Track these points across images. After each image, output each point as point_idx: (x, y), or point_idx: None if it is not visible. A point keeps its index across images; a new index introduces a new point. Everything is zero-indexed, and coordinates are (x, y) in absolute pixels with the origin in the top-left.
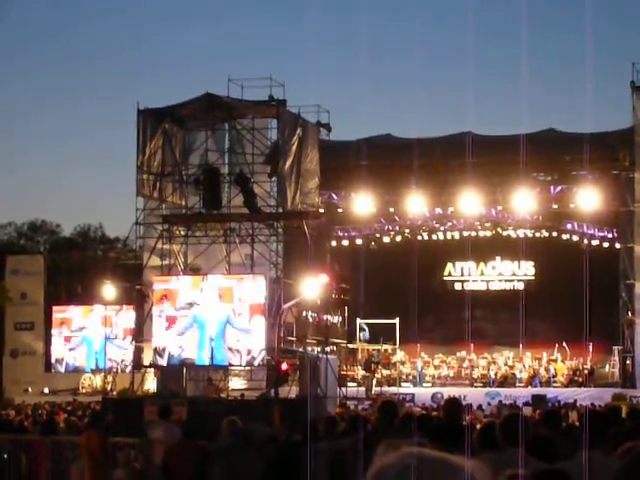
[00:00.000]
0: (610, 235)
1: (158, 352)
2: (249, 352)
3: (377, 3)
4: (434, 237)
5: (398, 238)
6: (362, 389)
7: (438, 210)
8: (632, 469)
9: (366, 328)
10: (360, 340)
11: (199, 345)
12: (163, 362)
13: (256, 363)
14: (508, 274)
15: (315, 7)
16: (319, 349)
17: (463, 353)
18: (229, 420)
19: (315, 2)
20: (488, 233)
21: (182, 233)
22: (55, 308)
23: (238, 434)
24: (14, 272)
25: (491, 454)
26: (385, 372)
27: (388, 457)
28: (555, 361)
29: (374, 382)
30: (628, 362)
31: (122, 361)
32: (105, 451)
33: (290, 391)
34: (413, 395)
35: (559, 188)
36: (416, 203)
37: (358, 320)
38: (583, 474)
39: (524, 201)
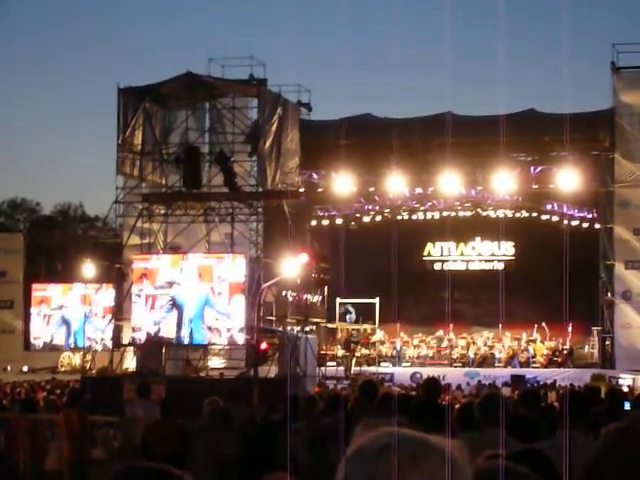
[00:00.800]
0: (590, 216)
1: (137, 331)
2: (228, 331)
3: None
4: (414, 217)
5: (378, 218)
6: (341, 368)
7: (418, 190)
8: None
9: (352, 310)
10: (346, 322)
11: (178, 324)
12: (142, 341)
13: (235, 342)
14: (488, 254)
15: None
16: (299, 328)
17: (442, 333)
18: (210, 400)
19: None
20: (468, 213)
21: (162, 212)
22: (35, 286)
23: (218, 414)
24: None
25: (470, 434)
26: (364, 351)
27: (366, 436)
28: (534, 341)
29: (353, 362)
30: (607, 343)
31: (102, 340)
32: (84, 429)
33: (269, 370)
34: (392, 375)
35: (539, 169)
36: (396, 183)
37: (338, 300)
38: (562, 454)
39: (504, 181)
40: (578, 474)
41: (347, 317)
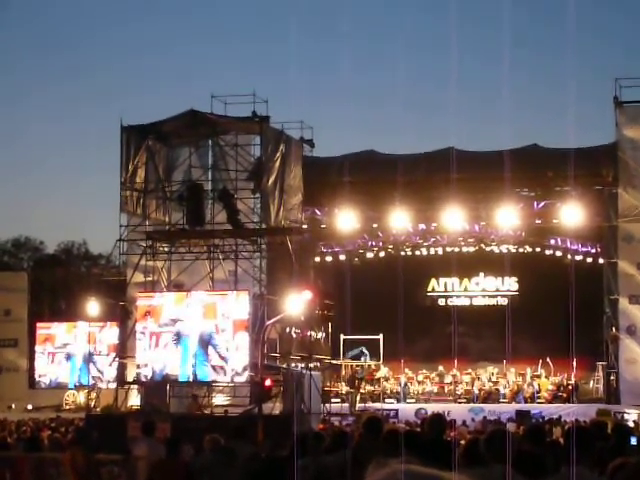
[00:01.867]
0: (593, 250)
1: (141, 368)
2: (233, 368)
3: (360, 21)
4: (417, 253)
5: (382, 254)
6: (346, 405)
7: (421, 226)
8: None
9: (367, 353)
10: (352, 355)
11: (182, 361)
12: (146, 378)
13: (240, 379)
14: (492, 290)
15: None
16: (303, 365)
17: (446, 369)
18: (210, 437)
19: (297, 19)
20: (471, 249)
21: (165, 249)
22: (39, 325)
23: (220, 451)
24: None
25: (477, 470)
26: (369, 388)
27: (378, 474)
28: (539, 377)
29: (358, 398)
30: (612, 378)
31: (104, 378)
32: (89, 468)
33: (274, 407)
34: (397, 411)
35: (542, 204)
36: (399, 219)
37: (342, 337)
38: None
39: (507, 217)
40: None
41: (362, 359)
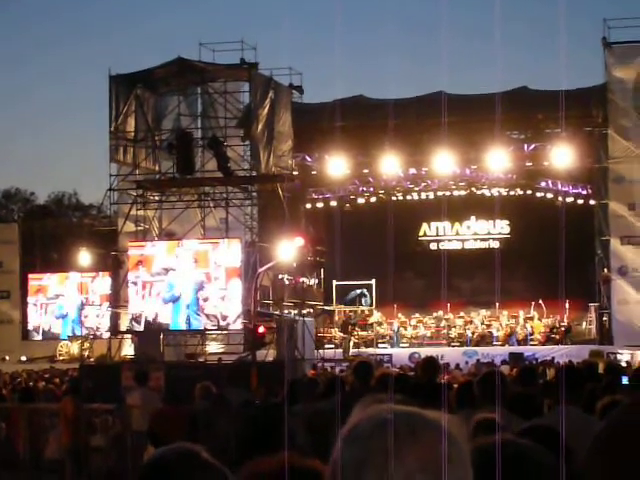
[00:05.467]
0: (584, 192)
1: (134, 318)
2: (226, 316)
3: None
4: (409, 197)
5: (373, 199)
6: (339, 351)
7: (412, 170)
8: (617, 429)
9: (367, 294)
10: (362, 305)
11: (175, 310)
12: (140, 328)
13: (233, 327)
14: (483, 233)
15: None
16: (296, 312)
17: (440, 313)
18: (202, 385)
19: None
20: (462, 192)
21: (156, 198)
22: (31, 276)
23: (213, 399)
24: None
25: (468, 411)
26: (362, 333)
27: (361, 414)
28: (532, 319)
29: (351, 344)
30: (605, 319)
31: (97, 328)
32: (82, 417)
33: (267, 354)
34: (391, 356)
35: (533, 146)
36: (390, 164)
37: (335, 282)
38: (560, 429)
39: (498, 160)
40: (588, 447)
41: (362, 300)
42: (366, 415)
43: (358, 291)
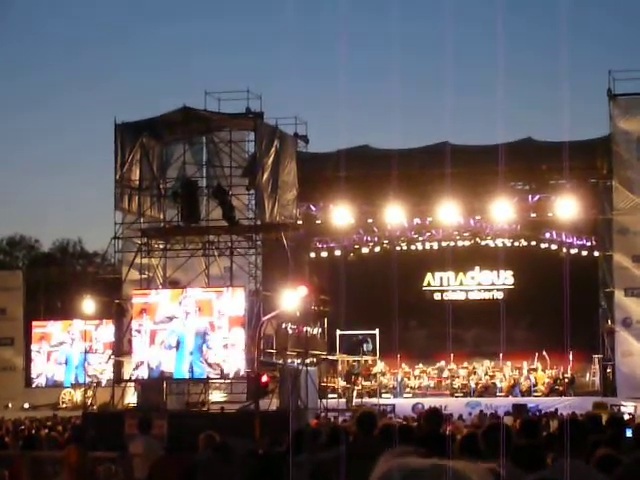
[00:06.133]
0: (589, 243)
1: (138, 366)
2: (229, 365)
3: (353, 20)
4: (413, 247)
5: (377, 249)
6: (343, 400)
7: (416, 220)
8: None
9: (369, 340)
10: (364, 350)
11: (178, 359)
12: (143, 376)
13: (236, 376)
14: (487, 284)
15: (291, 15)
16: (299, 361)
17: (443, 363)
18: (206, 435)
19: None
20: (467, 243)
21: (161, 247)
22: (35, 323)
23: (216, 448)
24: None
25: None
26: (366, 383)
27: (389, 464)
28: (535, 370)
29: (355, 393)
30: (609, 370)
31: (100, 376)
32: (85, 466)
33: (270, 403)
34: (394, 406)
35: (537, 197)
36: (394, 214)
37: (339, 332)
38: None
39: (502, 210)
40: None
41: (364, 346)
42: (395, 465)
43: (360, 337)
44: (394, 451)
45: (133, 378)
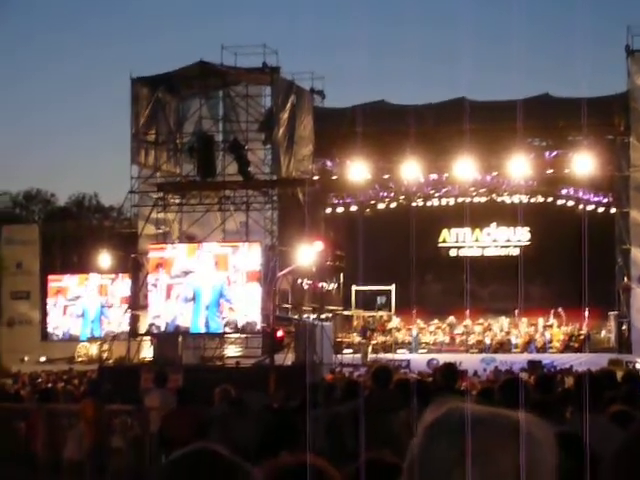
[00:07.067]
0: (605, 200)
1: (154, 320)
2: (244, 320)
3: None
4: (429, 203)
5: (393, 205)
6: (358, 356)
7: (433, 176)
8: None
9: (384, 295)
10: (377, 303)
11: (194, 313)
12: (159, 330)
13: (251, 330)
14: (503, 240)
15: None
16: (314, 316)
17: (458, 319)
18: (222, 389)
19: None
20: (483, 199)
21: (177, 201)
22: (51, 277)
23: (232, 402)
24: (9, 241)
25: None
26: (381, 339)
27: (447, 407)
28: (551, 327)
29: (370, 349)
30: (624, 327)
31: (116, 330)
32: (102, 419)
33: (286, 358)
34: (409, 361)
35: (554, 153)
36: (411, 169)
37: (354, 287)
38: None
39: (519, 167)
40: (610, 457)
41: (378, 299)
42: (452, 409)
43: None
44: (445, 399)
45: (149, 332)
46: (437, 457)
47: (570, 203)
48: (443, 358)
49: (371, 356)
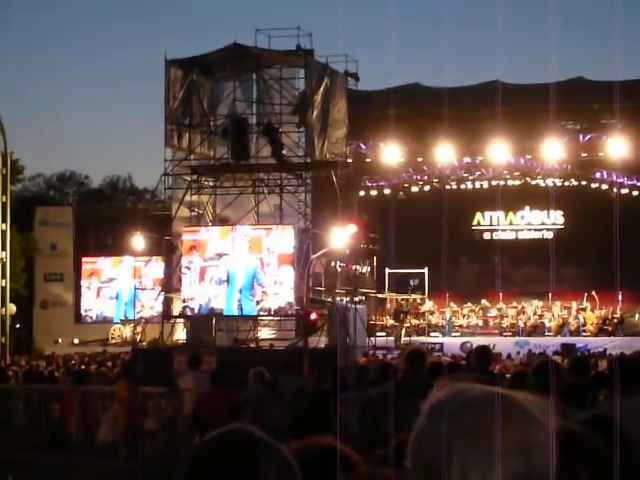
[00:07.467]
0: (639, 183)
1: (187, 302)
2: (278, 303)
3: None
4: (463, 186)
5: (426, 188)
6: (391, 339)
7: (467, 159)
8: None
9: (417, 278)
10: (411, 287)
11: (228, 296)
12: (192, 313)
13: (284, 313)
14: (537, 223)
15: None
16: (348, 299)
17: (492, 302)
18: (255, 370)
19: None
20: (517, 182)
21: (210, 184)
22: (85, 259)
23: (266, 384)
24: (43, 223)
25: None
26: (414, 321)
27: (445, 390)
28: (584, 310)
29: (403, 332)
30: None
31: (150, 312)
32: (135, 401)
33: (319, 341)
34: (442, 344)
35: (588, 137)
36: (444, 152)
37: (387, 270)
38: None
39: (553, 150)
40: None
41: (410, 282)
42: (448, 393)
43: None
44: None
45: (182, 314)
46: (437, 438)
47: (604, 186)
48: (476, 341)
49: (404, 339)
